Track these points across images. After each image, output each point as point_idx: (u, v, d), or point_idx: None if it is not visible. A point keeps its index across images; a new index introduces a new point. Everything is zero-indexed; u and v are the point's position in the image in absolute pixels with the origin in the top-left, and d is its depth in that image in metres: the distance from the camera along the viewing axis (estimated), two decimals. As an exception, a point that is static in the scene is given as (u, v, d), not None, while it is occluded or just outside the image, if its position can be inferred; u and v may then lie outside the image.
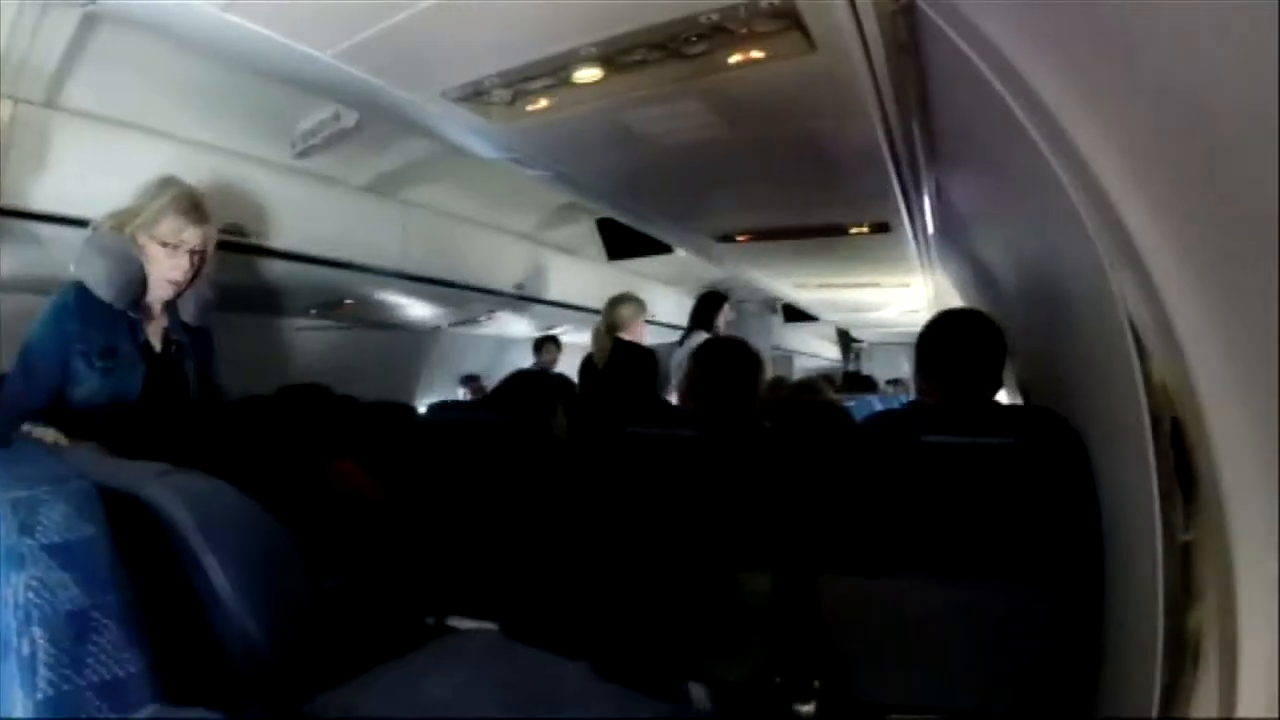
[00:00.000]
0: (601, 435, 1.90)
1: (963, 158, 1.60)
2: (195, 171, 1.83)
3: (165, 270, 1.65)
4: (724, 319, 3.54)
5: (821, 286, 4.22)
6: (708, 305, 3.55)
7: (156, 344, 1.70)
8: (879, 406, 3.41)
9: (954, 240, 2.38)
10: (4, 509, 0.40)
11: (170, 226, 1.65)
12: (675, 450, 1.71)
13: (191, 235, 1.67)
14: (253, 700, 0.58)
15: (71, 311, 1.58)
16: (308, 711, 0.58)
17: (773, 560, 1.61)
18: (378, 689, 0.56)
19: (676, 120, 1.68)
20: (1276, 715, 0.66)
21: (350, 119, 2.02)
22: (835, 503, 1.54)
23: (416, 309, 3.36)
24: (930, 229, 2.43)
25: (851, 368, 6.61)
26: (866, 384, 5.28)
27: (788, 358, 7.33)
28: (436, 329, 3.85)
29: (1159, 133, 0.84)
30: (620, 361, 2.91)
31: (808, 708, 1.59)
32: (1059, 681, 1.32)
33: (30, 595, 0.39)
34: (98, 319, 1.60)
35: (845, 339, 6.70)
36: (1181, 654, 0.88)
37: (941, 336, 1.60)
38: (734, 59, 1.37)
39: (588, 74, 1.43)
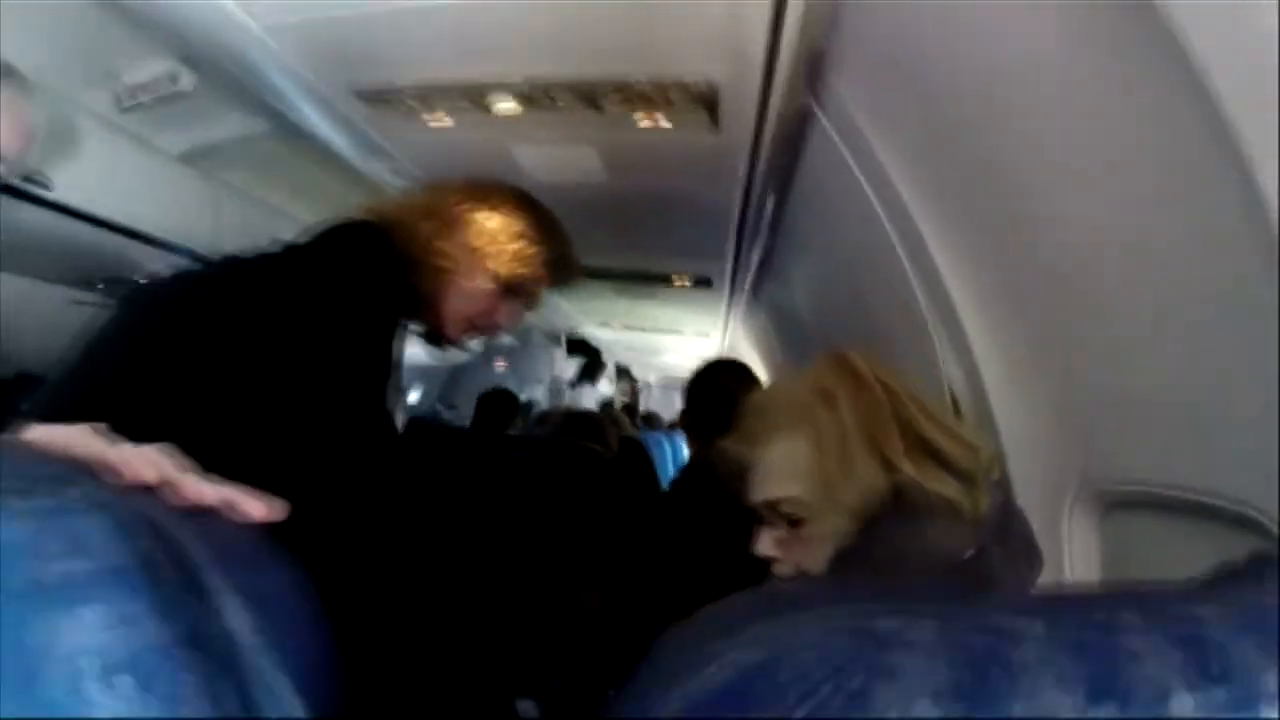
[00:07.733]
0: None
1: (806, 231, 1.88)
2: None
3: None
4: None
5: (625, 328, 4.45)
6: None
7: None
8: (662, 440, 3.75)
9: (770, 301, 2.70)
10: (28, 524, 0.31)
11: None
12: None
13: None
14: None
15: None
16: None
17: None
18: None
19: (563, 163, 1.75)
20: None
21: (189, 81, 1.79)
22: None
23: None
24: (747, 287, 2.73)
25: (628, 403, 6.91)
26: (649, 421, 5.60)
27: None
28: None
29: (987, 227, 1.11)
30: None
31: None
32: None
33: (106, 635, 0.29)
34: None
35: (625, 377, 7.02)
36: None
37: (706, 384, 1.66)
38: (643, 123, 1.49)
39: (506, 107, 1.46)
